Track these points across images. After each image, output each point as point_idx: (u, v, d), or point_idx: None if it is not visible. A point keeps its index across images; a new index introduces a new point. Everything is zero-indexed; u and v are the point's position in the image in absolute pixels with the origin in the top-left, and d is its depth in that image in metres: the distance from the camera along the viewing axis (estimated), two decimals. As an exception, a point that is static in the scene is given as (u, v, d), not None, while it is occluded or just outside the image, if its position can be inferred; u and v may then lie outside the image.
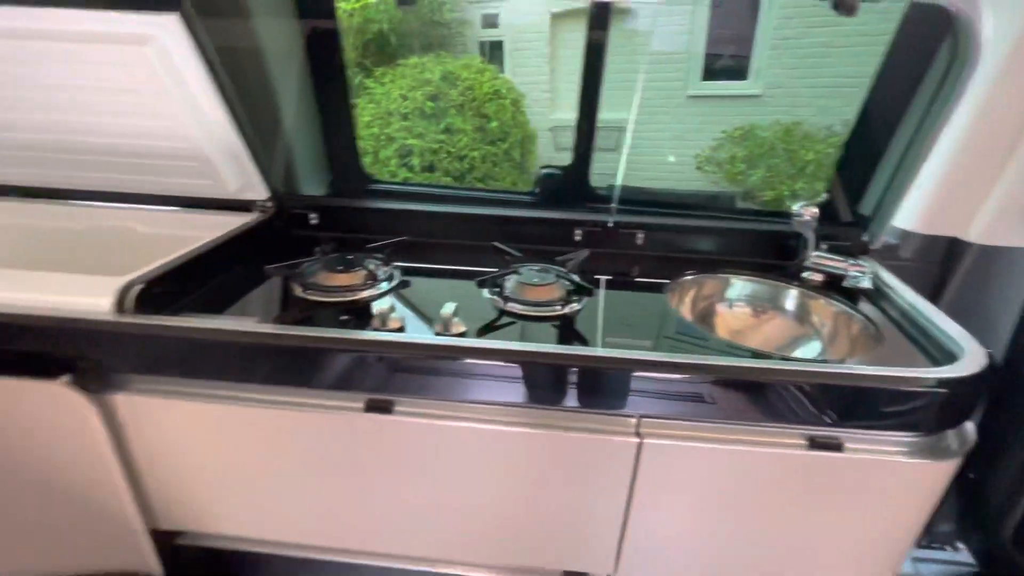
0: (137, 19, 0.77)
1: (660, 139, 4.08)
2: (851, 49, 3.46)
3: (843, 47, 3.50)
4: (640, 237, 1.02)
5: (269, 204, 1.05)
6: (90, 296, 0.69)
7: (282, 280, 0.87)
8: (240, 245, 0.94)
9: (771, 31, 3.77)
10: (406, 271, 0.93)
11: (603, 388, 0.67)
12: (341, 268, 0.86)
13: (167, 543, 0.83)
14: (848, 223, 1.00)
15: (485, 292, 0.84)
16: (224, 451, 0.75)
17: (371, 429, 0.71)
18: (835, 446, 0.65)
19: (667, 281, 0.93)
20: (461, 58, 4.10)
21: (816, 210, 0.89)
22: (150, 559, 0.81)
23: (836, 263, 0.90)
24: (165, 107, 0.88)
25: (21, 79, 0.89)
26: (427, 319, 0.76)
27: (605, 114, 1.07)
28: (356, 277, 0.86)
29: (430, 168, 3.80)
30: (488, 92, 3.82)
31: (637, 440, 0.66)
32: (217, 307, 0.80)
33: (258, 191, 1.04)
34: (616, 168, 1.14)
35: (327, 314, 0.79)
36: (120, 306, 0.69)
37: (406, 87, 3.80)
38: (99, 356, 0.70)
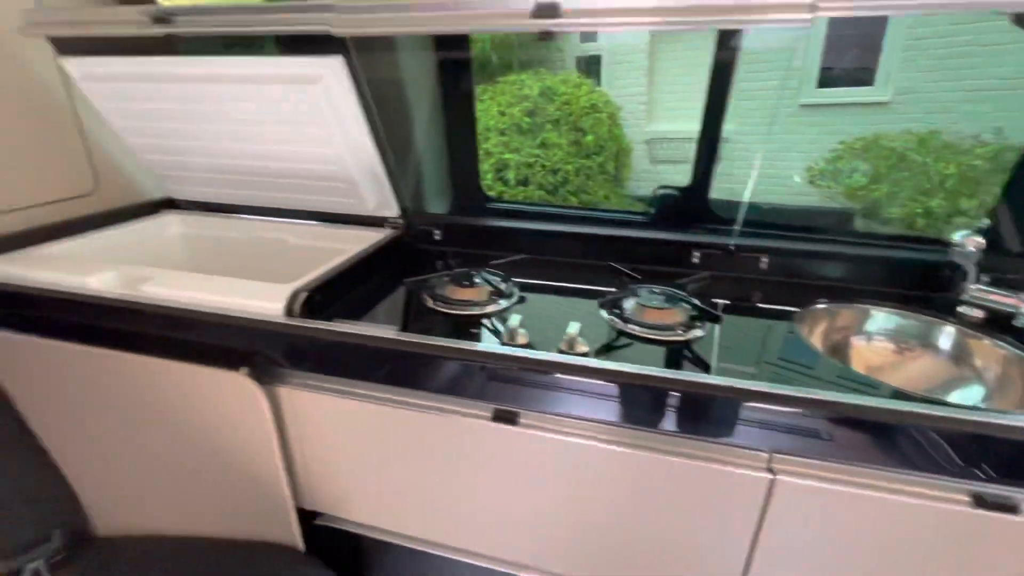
0: (309, 62, 0.89)
1: (766, 151, 3.84)
2: (1007, 47, 3.03)
3: (997, 45, 3.08)
4: (764, 261, 0.98)
5: (399, 221, 1.15)
6: (266, 300, 0.80)
7: (415, 291, 0.95)
8: (377, 258, 1.03)
9: (904, 30, 3.41)
10: (523, 287, 0.97)
11: (732, 419, 0.66)
12: (467, 283, 0.92)
13: (309, 521, 0.93)
14: (1018, 254, 0.89)
15: (603, 312, 0.85)
16: (364, 445, 0.83)
17: (497, 438, 0.75)
18: (1009, 508, 0.58)
19: (792, 308, 0.89)
20: (559, 74, 4.17)
21: (981, 240, 0.80)
22: (294, 534, 0.92)
23: (1005, 299, 0.80)
24: (323, 136, 1.00)
25: (208, 115, 1.05)
26: (547, 336, 0.79)
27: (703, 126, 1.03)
28: (481, 293, 0.91)
29: (524, 182, 3.89)
30: (585, 106, 3.84)
31: (769, 476, 0.64)
32: (360, 313, 0.89)
33: (391, 208, 1.14)
34: (719, 182, 1.10)
35: (456, 325, 0.85)
36: (290, 310, 0.79)
37: (505, 103, 3.94)
38: (270, 352, 0.81)
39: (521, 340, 0.76)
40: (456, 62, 1.11)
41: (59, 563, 0.94)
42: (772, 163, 3.72)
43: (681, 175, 1.11)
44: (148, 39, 0.94)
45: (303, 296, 0.81)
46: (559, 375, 0.70)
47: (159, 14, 0.89)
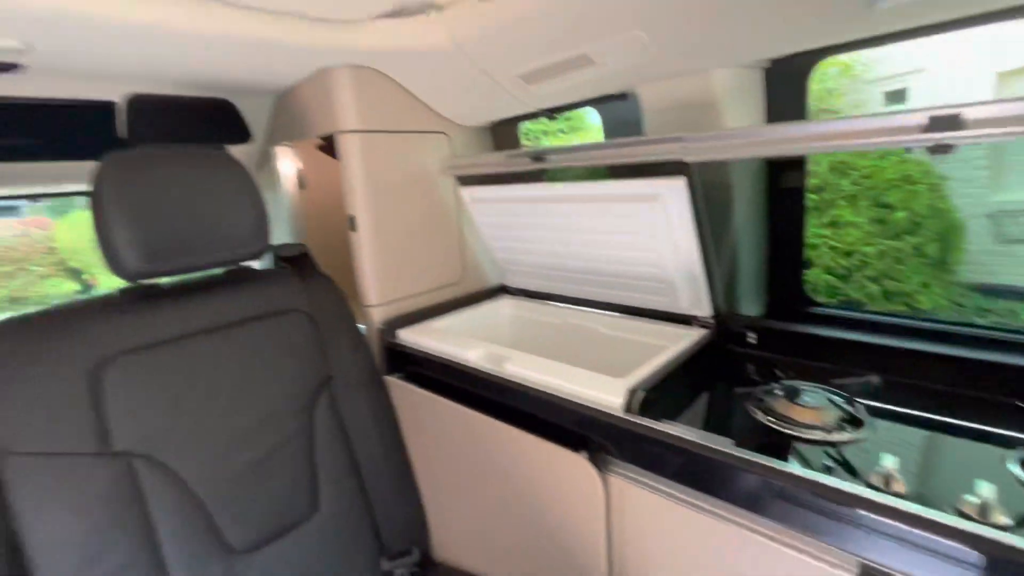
0: (653, 183, 1.02)
1: None
2: None
3: None
4: None
5: (710, 320, 1.16)
6: (605, 393, 0.90)
7: (740, 400, 0.93)
8: (693, 358, 1.06)
9: None
10: (875, 413, 0.84)
11: None
12: (804, 401, 0.86)
13: (616, 614, 0.96)
14: None
15: (1016, 469, 0.67)
16: (688, 555, 0.82)
17: (863, 600, 0.64)
18: None
19: None
20: (854, 144, 3.68)
21: None
22: (601, 622, 0.95)
23: None
24: (651, 242, 1.11)
25: (554, 224, 1.29)
26: (926, 484, 0.66)
27: None
28: (823, 415, 0.83)
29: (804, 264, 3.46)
30: (893, 179, 3.27)
31: None
32: (688, 416, 0.92)
33: (702, 308, 1.16)
34: None
35: (794, 449, 0.79)
36: (628, 406, 0.87)
37: (785, 181, 3.66)
38: (607, 443, 0.90)
39: (897, 487, 0.65)
40: (790, 161, 1.10)
41: (413, 575, 1.18)
42: None
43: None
44: (521, 172, 1.23)
45: (640, 395, 0.88)
46: (967, 547, 0.57)
47: (536, 154, 1.16)
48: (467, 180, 1.41)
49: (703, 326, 1.16)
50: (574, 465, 0.91)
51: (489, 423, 1.07)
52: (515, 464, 1.04)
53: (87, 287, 8.77)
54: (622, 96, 1.20)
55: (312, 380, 1.14)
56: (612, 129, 1.40)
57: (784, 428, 0.83)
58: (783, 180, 1.14)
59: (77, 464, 0.86)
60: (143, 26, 0.88)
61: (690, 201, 1.00)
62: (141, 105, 1.25)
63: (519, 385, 1.02)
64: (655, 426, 0.83)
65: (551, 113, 1.33)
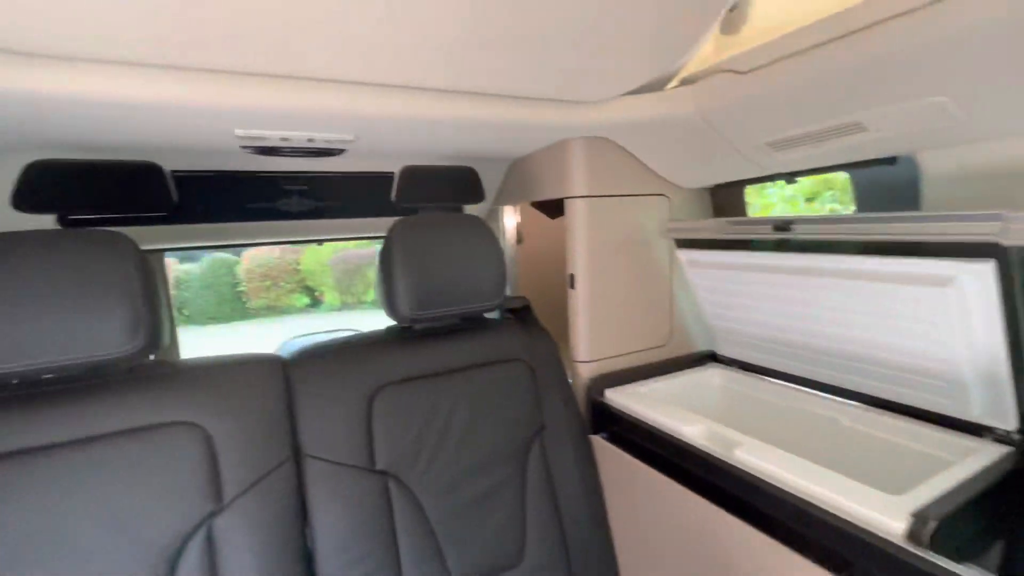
0: (944, 265, 0.86)
1: None
2: None
3: None
4: None
5: (1016, 436, 0.91)
6: (875, 511, 0.76)
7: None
8: (996, 483, 0.84)
9: None
10: None
11: None
12: None
13: None
14: None
15: None
16: None
17: None
18: None
19: None
20: None
21: None
22: None
23: None
24: (931, 331, 0.93)
25: (787, 297, 1.17)
26: None
27: None
28: None
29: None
30: None
31: None
32: (988, 559, 0.72)
33: (1004, 419, 0.93)
34: None
35: None
36: (912, 534, 0.72)
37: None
38: (873, 570, 0.75)
39: None
40: None
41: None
42: None
43: None
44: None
45: (932, 524, 0.72)
46: None
47: (780, 224, 1.08)
48: (686, 243, 1.38)
49: (1003, 441, 0.92)
50: (828, 588, 0.78)
51: (708, 508, 0.99)
52: (739, 563, 0.94)
53: (317, 302, 10.85)
54: (889, 160, 1.05)
55: (528, 427, 1.20)
56: (866, 189, 1.24)
57: None
58: None
59: (351, 475, 1.03)
60: (424, 120, 1.05)
61: (999, 288, 0.82)
62: (410, 174, 1.51)
63: (750, 476, 0.93)
64: (960, 572, 0.67)
65: (791, 177, 1.24)
